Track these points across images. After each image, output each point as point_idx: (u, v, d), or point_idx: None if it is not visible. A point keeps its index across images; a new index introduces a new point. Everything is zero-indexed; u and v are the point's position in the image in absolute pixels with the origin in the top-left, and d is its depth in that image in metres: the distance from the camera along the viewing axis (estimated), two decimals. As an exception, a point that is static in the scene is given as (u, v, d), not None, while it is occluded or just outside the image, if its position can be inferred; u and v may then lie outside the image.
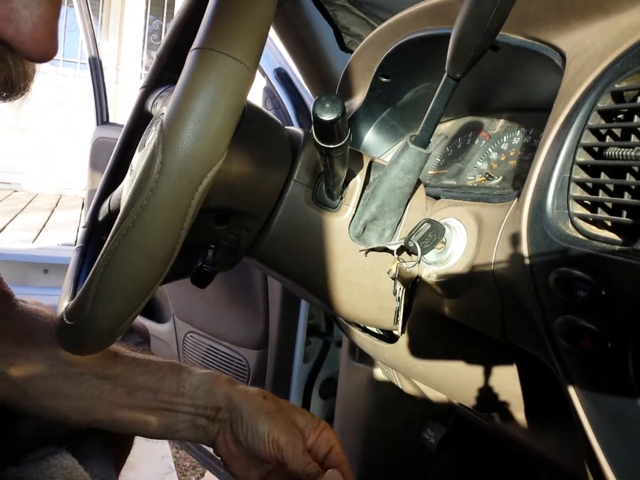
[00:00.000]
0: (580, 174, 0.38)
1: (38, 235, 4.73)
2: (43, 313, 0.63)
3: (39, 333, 0.59)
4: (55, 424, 0.62)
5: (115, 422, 0.59)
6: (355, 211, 0.56)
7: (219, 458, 0.59)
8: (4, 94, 0.33)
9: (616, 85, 0.37)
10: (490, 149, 0.66)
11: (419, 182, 0.57)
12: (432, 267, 0.52)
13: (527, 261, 0.40)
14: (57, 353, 0.58)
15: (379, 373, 0.99)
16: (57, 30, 0.31)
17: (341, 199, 0.56)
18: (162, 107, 0.58)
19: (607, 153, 0.37)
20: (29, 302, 0.69)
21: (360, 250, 0.56)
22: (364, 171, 0.57)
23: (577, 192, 0.38)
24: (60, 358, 0.58)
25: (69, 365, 0.58)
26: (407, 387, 0.80)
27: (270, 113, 0.60)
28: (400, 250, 0.54)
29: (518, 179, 0.60)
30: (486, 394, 0.59)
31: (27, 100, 0.36)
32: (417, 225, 0.51)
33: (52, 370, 0.58)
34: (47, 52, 0.31)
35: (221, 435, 0.57)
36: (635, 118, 0.36)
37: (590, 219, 0.37)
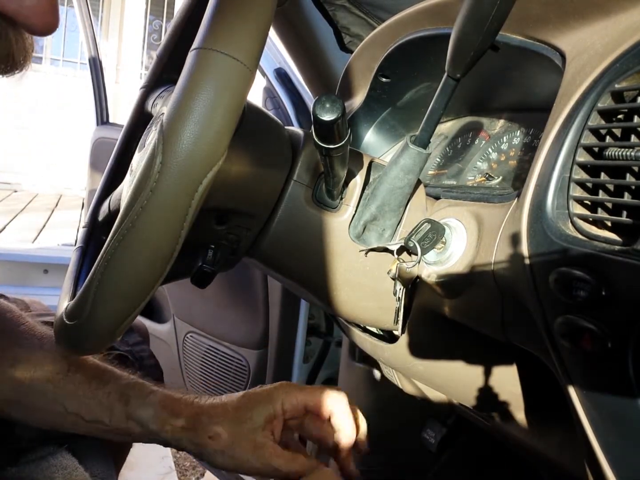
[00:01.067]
0: (580, 174, 0.38)
1: (38, 235, 4.73)
2: (12, 313, 0.61)
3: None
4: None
5: (79, 434, 0.58)
6: (355, 211, 0.56)
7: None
8: (6, 68, 0.34)
9: (616, 85, 0.37)
10: (490, 149, 0.66)
11: (419, 182, 0.57)
12: (432, 267, 0.52)
13: (527, 261, 0.40)
14: (14, 365, 0.56)
15: (379, 373, 0.99)
16: (57, 3, 0.32)
17: (341, 199, 0.56)
18: (162, 107, 0.58)
19: (607, 153, 0.37)
20: (29, 302, 0.68)
21: (360, 251, 0.56)
22: (364, 171, 0.57)
23: (577, 192, 0.38)
24: (13, 367, 0.56)
25: (22, 372, 0.56)
26: (407, 387, 0.80)
27: (270, 113, 0.60)
28: (400, 250, 0.54)
29: (518, 179, 0.60)
30: (486, 394, 0.58)
31: (25, 75, 0.36)
32: (417, 225, 0.51)
33: (4, 375, 0.56)
34: (50, 25, 0.31)
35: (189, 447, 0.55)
36: (635, 118, 0.36)
37: (590, 219, 0.37)
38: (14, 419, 0.58)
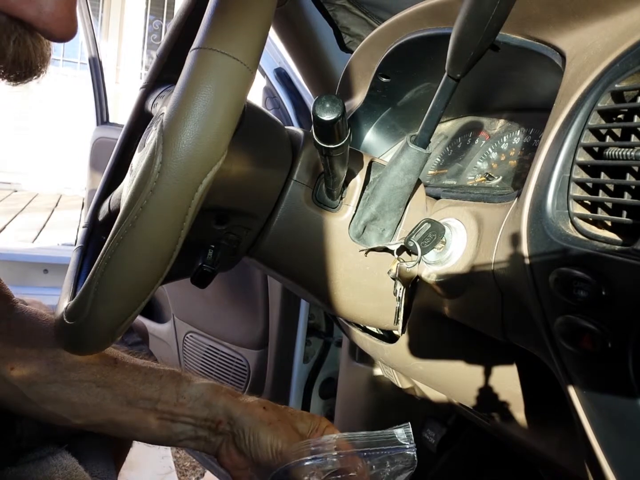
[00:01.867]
0: (580, 174, 0.38)
1: (38, 235, 4.73)
2: (43, 316, 0.62)
3: (39, 336, 0.59)
4: (56, 426, 0.62)
5: (117, 428, 0.59)
6: (355, 211, 0.56)
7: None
8: (23, 75, 0.34)
9: (616, 85, 0.37)
10: (490, 149, 0.66)
11: (419, 182, 0.57)
12: (432, 267, 0.52)
13: (527, 261, 0.40)
14: (57, 358, 0.58)
15: (379, 373, 0.99)
16: (75, 8, 0.32)
17: (341, 199, 0.56)
18: (162, 107, 0.58)
19: (607, 153, 0.37)
20: (29, 302, 0.68)
21: (360, 250, 0.56)
22: (364, 171, 0.57)
23: (577, 192, 0.38)
24: (61, 363, 0.58)
25: (70, 371, 0.58)
26: (407, 387, 0.80)
27: (270, 113, 0.60)
28: (400, 250, 0.54)
29: (518, 179, 0.60)
30: (486, 394, 0.58)
31: (41, 81, 0.36)
32: (417, 225, 0.51)
33: (53, 375, 0.58)
34: (70, 31, 0.32)
35: (224, 447, 0.57)
36: (635, 118, 0.36)
37: (590, 219, 0.37)
38: (54, 414, 0.59)
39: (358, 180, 0.56)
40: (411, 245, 0.51)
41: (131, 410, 0.58)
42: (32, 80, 0.35)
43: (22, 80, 0.34)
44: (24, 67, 0.33)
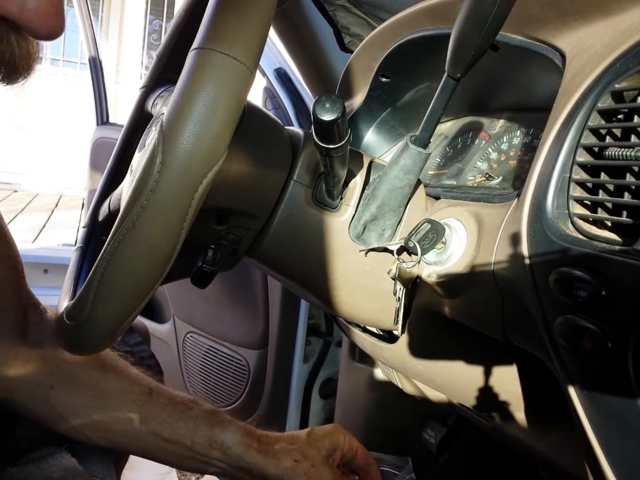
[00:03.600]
0: (580, 174, 0.38)
1: (38, 235, 4.73)
2: None
3: (79, 364, 0.60)
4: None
5: (151, 458, 0.61)
6: (355, 211, 0.56)
7: None
8: (9, 75, 0.33)
9: (616, 85, 0.37)
10: (490, 149, 0.66)
11: (419, 182, 0.57)
12: (432, 267, 0.52)
13: (527, 261, 0.40)
14: (99, 383, 0.59)
15: (379, 373, 0.99)
16: (62, 5, 0.30)
17: (341, 199, 0.56)
18: (162, 107, 0.58)
19: (607, 153, 0.37)
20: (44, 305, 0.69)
21: (360, 251, 0.56)
22: (364, 171, 0.57)
23: (577, 192, 0.38)
24: (100, 389, 0.59)
25: (108, 397, 0.59)
26: (407, 387, 0.80)
27: (270, 113, 0.60)
28: (400, 251, 0.54)
29: (518, 179, 0.60)
30: (486, 394, 0.58)
31: (29, 82, 0.35)
32: (417, 225, 0.51)
33: (93, 401, 0.59)
34: (54, 29, 0.30)
35: None
36: (635, 118, 0.36)
37: (590, 219, 0.37)
38: (92, 439, 0.60)
39: (358, 180, 0.56)
40: (411, 245, 0.51)
41: (166, 447, 0.59)
42: (19, 82, 0.34)
43: (7, 81, 0.33)
44: (7, 66, 0.32)
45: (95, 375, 0.60)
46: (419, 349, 0.59)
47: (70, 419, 0.58)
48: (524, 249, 0.40)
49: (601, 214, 0.37)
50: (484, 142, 0.68)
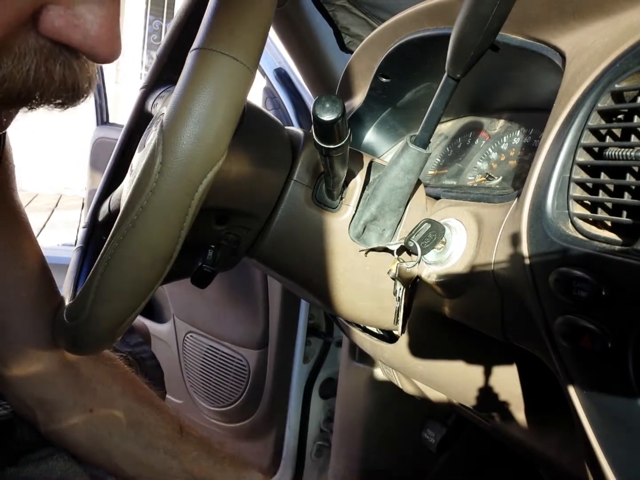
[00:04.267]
0: (580, 174, 0.38)
1: (38, 235, 4.73)
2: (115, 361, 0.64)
3: (115, 390, 0.61)
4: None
5: None
6: (355, 211, 0.56)
7: None
8: (72, 98, 0.34)
9: (616, 85, 0.37)
10: (490, 149, 0.66)
11: (419, 182, 0.57)
12: (432, 267, 0.52)
13: (527, 261, 0.40)
14: (135, 415, 0.60)
15: (379, 373, 0.99)
16: (120, 30, 0.31)
17: (341, 199, 0.56)
18: (162, 107, 0.58)
19: (607, 153, 0.37)
20: None
21: (360, 251, 0.56)
22: (364, 171, 0.57)
23: (577, 192, 0.38)
24: (137, 420, 0.60)
25: (141, 429, 0.60)
26: (407, 387, 0.80)
27: (270, 113, 0.60)
28: (400, 250, 0.54)
29: (518, 179, 0.60)
30: (486, 394, 0.58)
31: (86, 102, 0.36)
32: (417, 225, 0.51)
33: (126, 430, 0.59)
34: (115, 52, 0.31)
35: None
36: (635, 118, 0.36)
37: (590, 219, 0.37)
38: (123, 469, 0.60)
39: (358, 180, 0.56)
40: (411, 245, 0.51)
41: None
42: (79, 103, 0.35)
43: (68, 105, 0.34)
44: (70, 91, 0.33)
45: (131, 405, 0.61)
46: (419, 349, 0.59)
47: (107, 448, 0.59)
48: (524, 249, 0.40)
49: (601, 214, 0.37)
50: (484, 142, 0.68)
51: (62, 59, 0.31)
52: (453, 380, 0.62)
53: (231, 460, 0.62)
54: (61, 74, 0.31)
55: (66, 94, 0.33)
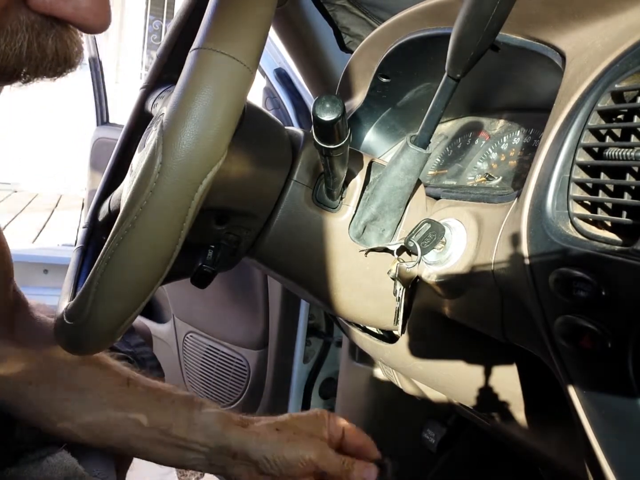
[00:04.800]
0: (580, 174, 0.38)
1: (38, 235, 4.73)
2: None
3: (60, 361, 0.60)
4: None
5: (129, 450, 0.60)
6: (355, 211, 0.56)
7: None
8: (63, 69, 0.34)
9: (616, 86, 0.37)
10: (490, 149, 0.66)
11: (419, 182, 0.57)
12: (432, 267, 0.52)
13: (527, 261, 0.40)
14: (73, 379, 0.59)
15: (379, 373, 0.99)
16: (109, 1, 0.32)
17: (341, 199, 0.56)
18: (162, 107, 0.58)
19: (607, 153, 0.37)
20: (34, 305, 0.69)
21: (360, 251, 0.56)
22: (364, 171, 0.57)
23: (577, 192, 0.38)
24: (76, 383, 0.59)
25: (85, 391, 0.59)
26: (407, 387, 0.80)
27: (270, 113, 0.60)
28: (400, 251, 0.54)
29: (518, 179, 0.60)
30: (486, 394, 0.58)
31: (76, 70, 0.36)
32: (417, 225, 0.51)
33: (68, 393, 0.59)
34: (106, 22, 0.32)
35: (246, 475, 0.58)
36: (635, 118, 0.36)
37: (590, 219, 0.37)
38: (77, 435, 0.60)
39: (358, 180, 0.56)
40: (411, 245, 0.51)
41: (144, 434, 0.58)
42: (69, 73, 0.36)
43: (59, 76, 0.35)
44: (62, 63, 0.33)
45: (74, 371, 0.60)
46: (419, 349, 0.59)
47: (52, 417, 0.58)
48: (524, 249, 0.40)
49: (601, 214, 0.37)
50: (484, 142, 0.68)
51: (53, 32, 0.31)
52: (453, 380, 0.62)
53: (183, 402, 0.60)
54: (53, 47, 0.31)
55: (58, 66, 0.33)
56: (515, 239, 0.42)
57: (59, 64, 0.33)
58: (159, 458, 0.60)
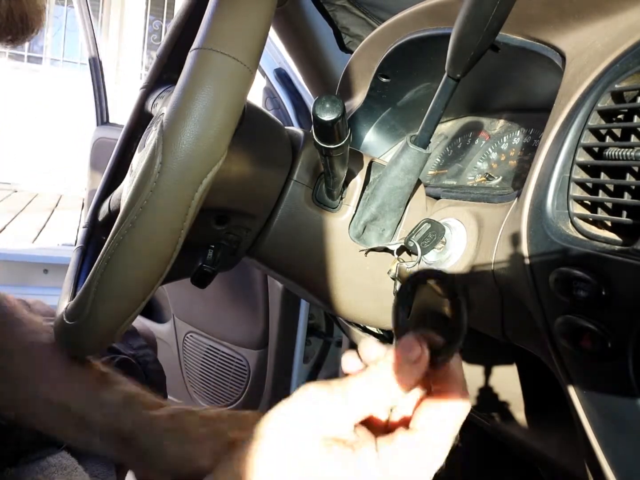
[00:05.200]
0: (580, 174, 0.38)
1: (38, 235, 4.73)
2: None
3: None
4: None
5: (37, 425, 0.56)
6: (355, 211, 0.56)
7: None
8: (21, 32, 0.33)
9: (616, 86, 0.37)
10: (490, 149, 0.66)
11: (419, 182, 0.57)
12: (433, 267, 0.52)
13: (527, 261, 0.40)
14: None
15: (379, 373, 0.99)
16: None
17: (341, 199, 0.56)
18: (162, 107, 0.58)
19: (607, 153, 0.37)
20: (31, 302, 0.68)
21: (360, 251, 0.56)
22: (364, 171, 0.57)
23: (577, 192, 0.38)
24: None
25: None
26: (407, 387, 0.80)
27: (270, 113, 0.60)
28: (400, 250, 0.54)
29: (518, 179, 0.60)
30: (486, 394, 0.58)
31: (40, 34, 0.35)
32: (417, 225, 0.51)
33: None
34: None
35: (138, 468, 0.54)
36: (635, 118, 0.36)
37: (590, 219, 0.37)
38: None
39: (358, 180, 0.56)
40: (411, 245, 0.51)
41: (47, 410, 0.54)
42: (31, 38, 0.34)
43: (19, 40, 0.33)
44: (19, 24, 0.32)
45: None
46: (419, 349, 0.59)
47: (22, 410, 0.55)
48: (524, 249, 0.40)
49: (601, 214, 0.37)
50: (484, 142, 0.68)
51: None
52: (453, 380, 0.62)
53: (96, 378, 0.53)
54: (7, 6, 0.30)
55: (15, 29, 0.32)
56: (515, 239, 0.42)
57: (15, 24, 0.31)
58: (62, 436, 0.55)
